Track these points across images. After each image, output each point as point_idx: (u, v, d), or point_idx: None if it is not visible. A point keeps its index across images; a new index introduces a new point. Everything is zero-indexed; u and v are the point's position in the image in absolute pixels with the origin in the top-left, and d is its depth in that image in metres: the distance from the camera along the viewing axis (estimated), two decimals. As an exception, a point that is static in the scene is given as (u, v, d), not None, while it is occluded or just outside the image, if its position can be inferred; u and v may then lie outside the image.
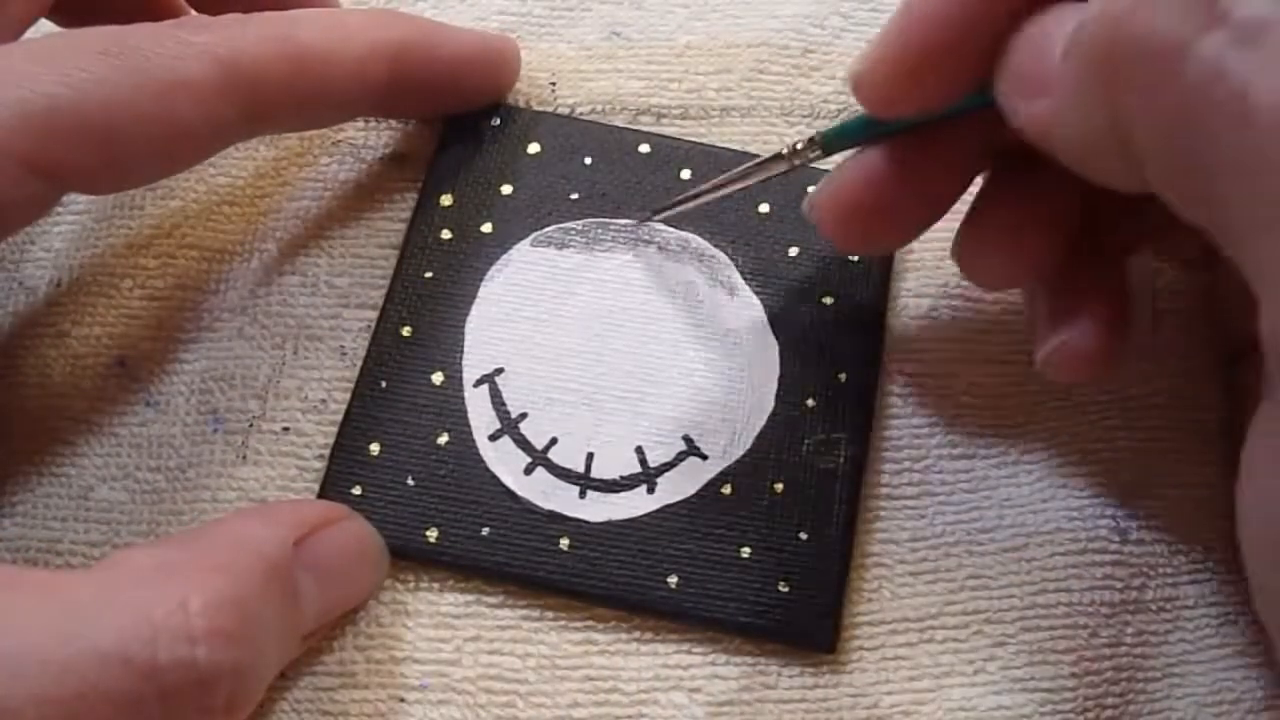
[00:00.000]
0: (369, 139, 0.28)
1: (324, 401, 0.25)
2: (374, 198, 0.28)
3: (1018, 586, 0.24)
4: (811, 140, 0.23)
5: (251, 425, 0.25)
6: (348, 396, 0.25)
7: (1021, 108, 0.20)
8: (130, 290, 0.26)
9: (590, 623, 0.24)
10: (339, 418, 0.25)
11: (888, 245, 0.25)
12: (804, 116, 0.29)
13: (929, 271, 0.27)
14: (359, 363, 0.26)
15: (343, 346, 0.26)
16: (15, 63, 0.21)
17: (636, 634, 0.24)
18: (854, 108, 0.29)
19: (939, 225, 0.28)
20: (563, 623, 0.24)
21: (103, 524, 0.24)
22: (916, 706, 0.23)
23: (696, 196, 0.26)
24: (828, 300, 0.26)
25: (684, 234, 0.27)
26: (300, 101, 0.24)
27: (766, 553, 0.24)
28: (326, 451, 0.25)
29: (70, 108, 0.20)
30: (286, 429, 0.25)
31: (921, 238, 0.28)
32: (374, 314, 0.26)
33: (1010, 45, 0.20)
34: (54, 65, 0.20)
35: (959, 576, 0.24)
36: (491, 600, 0.24)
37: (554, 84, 0.29)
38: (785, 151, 0.24)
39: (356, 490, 0.24)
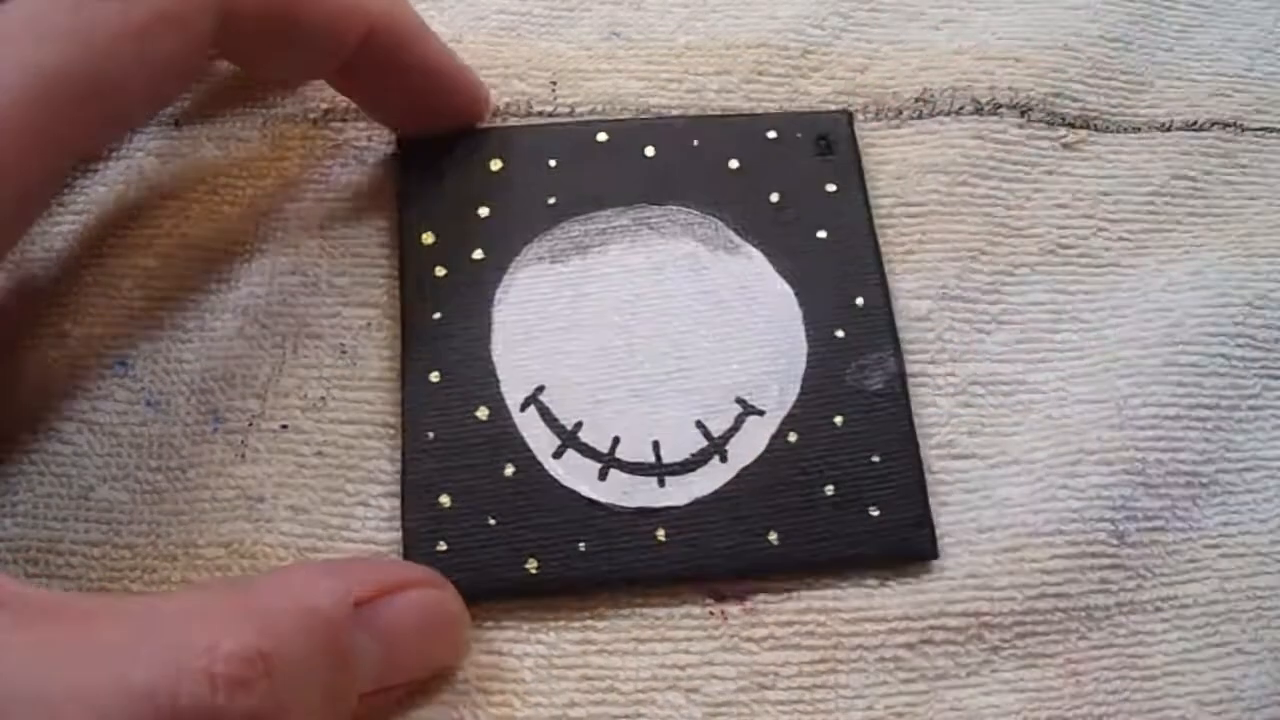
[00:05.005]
0: (370, 140, 0.28)
1: (323, 399, 0.26)
2: (374, 198, 0.28)
3: (1016, 589, 0.24)
4: None
5: (251, 424, 0.25)
6: (346, 394, 0.25)
7: None
8: (130, 290, 0.26)
9: (589, 622, 0.24)
10: (338, 415, 0.25)
11: None
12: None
13: (929, 272, 0.27)
14: (358, 361, 0.26)
15: (342, 345, 0.26)
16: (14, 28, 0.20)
17: (635, 633, 0.24)
18: (853, 108, 0.29)
19: (939, 226, 0.28)
20: (561, 622, 0.24)
21: (103, 524, 0.24)
22: (910, 709, 0.23)
23: None
24: (821, 234, 0.27)
25: (667, 208, 0.27)
26: (270, 32, 0.23)
27: (847, 484, 0.25)
28: (324, 449, 0.25)
29: (75, 72, 0.20)
30: (285, 426, 0.25)
31: (921, 238, 0.28)
32: (374, 312, 0.26)
33: None
34: (44, 26, 0.20)
35: (957, 576, 0.24)
36: (488, 601, 0.24)
37: (554, 84, 0.29)
38: None
39: (441, 546, 0.24)
